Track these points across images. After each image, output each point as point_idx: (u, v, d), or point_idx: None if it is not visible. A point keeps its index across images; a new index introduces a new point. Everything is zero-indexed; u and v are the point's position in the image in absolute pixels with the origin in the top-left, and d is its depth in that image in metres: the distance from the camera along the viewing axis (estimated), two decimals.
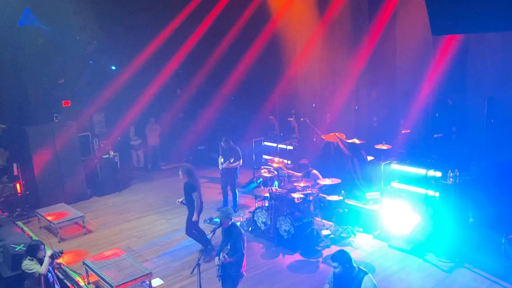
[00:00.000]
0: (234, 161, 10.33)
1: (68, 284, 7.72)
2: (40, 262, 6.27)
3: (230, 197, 10.76)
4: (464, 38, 9.25)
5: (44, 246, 6.50)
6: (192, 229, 8.59)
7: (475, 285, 7.20)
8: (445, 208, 8.02)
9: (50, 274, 6.43)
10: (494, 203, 7.90)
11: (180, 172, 8.60)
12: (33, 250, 6.36)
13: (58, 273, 7.59)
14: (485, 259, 7.56)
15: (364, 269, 4.96)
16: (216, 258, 6.18)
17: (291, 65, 13.43)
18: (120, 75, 13.14)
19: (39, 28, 11.24)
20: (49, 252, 6.34)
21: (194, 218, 8.37)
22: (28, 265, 6.24)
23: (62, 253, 6.58)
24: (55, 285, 6.57)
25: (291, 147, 12.71)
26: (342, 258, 4.90)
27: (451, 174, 7.98)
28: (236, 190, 10.71)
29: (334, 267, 4.90)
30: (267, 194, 9.48)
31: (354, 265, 4.94)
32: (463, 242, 7.94)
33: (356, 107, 11.93)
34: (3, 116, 11.32)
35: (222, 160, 10.49)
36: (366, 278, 4.80)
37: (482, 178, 8.23)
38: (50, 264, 6.36)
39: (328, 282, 5.13)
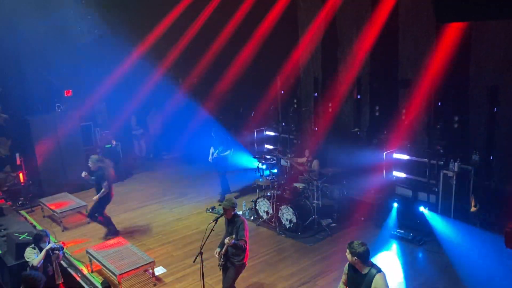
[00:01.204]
0: (223, 151, 10.42)
1: (72, 272, 7.78)
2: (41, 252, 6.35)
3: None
4: (468, 26, 9.17)
5: (49, 237, 6.56)
6: (95, 213, 8.93)
7: (480, 271, 7.17)
8: (446, 196, 8.03)
9: (50, 268, 6.47)
10: (494, 193, 7.92)
11: (90, 163, 8.80)
12: (37, 240, 6.46)
13: (62, 263, 7.63)
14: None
15: (378, 266, 4.72)
16: (218, 249, 6.21)
17: (293, 54, 13.34)
18: (121, 64, 13.09)
19: (41, 18, 11.20)
20: (48, 246, 6.38)
21: (95, 198, 8.77)
22: (28, 253, 6.36)
23: (61, 249, 6.60)
24: (56, 277, 6.60)
25: (292, 137, 12.71)
26: (357, 249, 4.68)
27: (453, 163, 7.98)
28: (226, 178, 10.83)
29: (348, 256, 4.76)
30: (269, 183, 9.51)
31: (368, 260, 4.73)
32: (466, 229, 7.97)
33: (358, 96, 11.88)
34: (6, 106, 11.32)
35: (213, 150, 10.58)
36: (378, 276, 4.56)
37: (483, 167, 8.23)
38: (50, 258, 6.41)
39: (344, 273, 5.05)
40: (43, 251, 6.33)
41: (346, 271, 4.94)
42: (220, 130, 10.79)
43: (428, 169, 8.45)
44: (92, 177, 8.89)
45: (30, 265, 6.30)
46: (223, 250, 6.10)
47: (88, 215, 9.39)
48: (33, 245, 6.51)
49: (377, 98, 11.24)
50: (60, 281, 6.72)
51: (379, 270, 4.61)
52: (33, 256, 6.32)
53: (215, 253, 6.21)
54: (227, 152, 10.51)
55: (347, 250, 4.72)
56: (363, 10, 11.15)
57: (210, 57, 14.08)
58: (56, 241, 6.81)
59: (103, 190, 8.71)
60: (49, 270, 6.48)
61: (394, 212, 8.85)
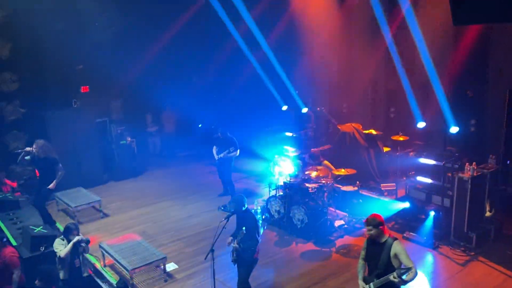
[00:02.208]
0: (230, 151, 10.36)
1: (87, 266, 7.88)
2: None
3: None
4: (486, 28, 9.05)
5: (78, 230, 6.72)
6: (42, 202, 9.04)
7: (490, 279, 7.14)
8: (462, 201, 7.93)
9: (77, 259, 6.60)
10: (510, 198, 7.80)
11: (35, 149, 8.75)
12: (67, 231, 6.65)
13: None
14: (500, 254, 7.49)
15: (395, 236, 5.10)
16: (230, 238, 6.27)
17: (308, 53, 13.31)
18: (138, 61, 13.20)
19: (59, 14, 11.36)
20: (75, 238, 6.52)
21: (52, 186, 8.86)
22: (56, 244, 6.55)
23: (88, 241, 6.74)
24: (83, 270, 6.73)
25: (306, 137, 12.67)
26: (375, 221, 5.04)
27: (469, 167, 7.88)
28: (232, 180, 10.75)
29: (368, 230, 5.08)
30: (281, 183, 9.50)
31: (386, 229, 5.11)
32: (479, 235, 7.87)
33: (373, 98, 11.81)
34: (23, 101, 11.50)
35: (217, 150, 10.52)
36: (395, 243, 4.97)
37: (500, 171, 8.11)
38: (77, 250, 6.55)
39: (363, 248, 5.34)
40: (70, 243, 6.49)
41: (365, 246, 5.29)
42: (227, 130, 10.68)
43: (443, 172, 8.36)
44: (27, 157, 8.89)
45: (58, 256, 6.46)
46: (234, 247, 6.14)
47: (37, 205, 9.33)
48: (62, 236, 6.68)
49: (392, 100, 11.16)
50: (86, 274, 6.84)
51: (395, 238, 5.04)
52: (61, 247, 6.49)
53: (227, 241, 6.30)
54: (233, 154, 10.44)
55: (366, 227, 5.11)
56: (379, 11, 11.07)
57: (225, 55, 14.13)
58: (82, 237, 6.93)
59: (60, 173, 8.85)
60: (76, 262, 6.62)
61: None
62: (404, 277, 4.79)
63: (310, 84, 13.79)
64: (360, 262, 5.36)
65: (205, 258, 5.99)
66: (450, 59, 9.51)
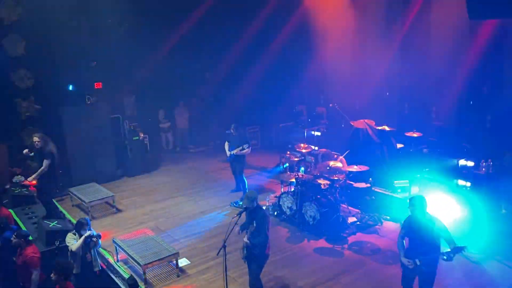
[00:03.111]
0: (244, 148, 10.32)
1: (99, 261, 7.95)
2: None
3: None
4: (503, 23, 8.88)
5: (90, 225, 6.82)
6: (43, 193, 8.97)
7: (505, 277, 7.04)
8: (476, 198, 7.83)
9: (88, 254, 6.68)
10: None
11: (37, 139, 8.61)
12: (78, 226, 6.77)
13: None
14: None
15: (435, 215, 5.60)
16: (238, 228, 6.29)
17: (321, 50, 13.23)
18: (151, 57, 13.27)
19: (73, 12, 11.46)
20: (87, 233, 6.60)
21: (30, 178, 8.82)
22: (68, 238, 6.69)
23: (99, 236, 6.82)
24: (94, 264, 6.81)
25: (318, 133, 12.63)
26: (418, 201, 5.52)
27: (484, 163, 7.77)
28: (244, 177, 10.70)
29: (411, 210, 5.57)
30: (293, 180, 9.47)
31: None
32: (495, 233, 7.76)
33: (387, 93, 11.69)
34: (38, 97, 11.64)
35: (228, 146, 10.49)
36: (437, 219, 5.49)
37: None
38: (88, 244, 6.64)
39: (402, 228, 5.81)
40: (82, 238, 6.61)
41: (407, 225, 5.72)
42: (240, 126, 10.60)
43: (458, 168, 8.25)
44: (31, 154, 8.84)
45: (70, 250, 6.60)
46: (244, 244, 6.14)
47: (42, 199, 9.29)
48: (74, 231, 6.80)
49: (407, 96, 11.04)
50: (97, 268, 6.92)
51: (436, 218, 5.56)
52: (73, 242, 6.63)
53: (237, 231, 6.32)
54: (246, 150, 10.41)
55: (410, 207, 5.59)
56: (394, 5, 10.94)
57: (237, 52, 14.11)
58: (95, 233, 7.01)
59: (43, 168, 8.66)
60: (88, 257, 6.71)
61: None
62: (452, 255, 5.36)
63: (322, 80, 13.72)
64: (400, 240, 5.78)
65: (217, 254, 6.01)
66: (466, 54, 9.35)
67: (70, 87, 11.73)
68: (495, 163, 7.96)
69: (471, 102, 9.43)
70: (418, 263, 5.51)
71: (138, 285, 5.98)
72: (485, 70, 9.13)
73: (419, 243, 5.59)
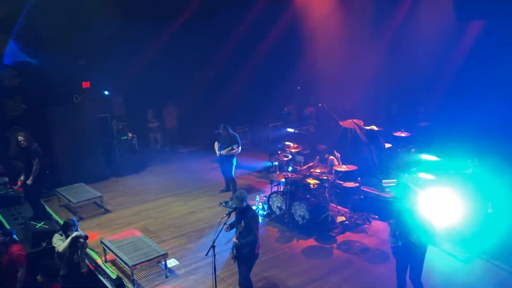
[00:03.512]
0: (233, 149, 10.30)
1: (87, 261, 7.87)
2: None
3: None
4: (489, 24, 8.98)
5: (77, 226, 6.72)
6: (31, 194, 8.85)
7: (491, 275, 7.11)
8: (463, 197, 7.89)
9: (76, 255, 6.61)
10: None
11: (22, 138, 8.56)
12: (65, 227, 6.66)
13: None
14: (503, 251, 7.46)
15: None
16: (226, 226, 6.29)
17: (310, 50, 13.26)
18: (140, 57, 13.18)
19: (61, 10, 11.34)
20: (73, 234, 6.52)
21: (29, 181, 8.61)
22: (55, 239, 6.58)
23: (87, 237, 6.73)
24: (82, 265, 6.73)
25: (307, 133, 12.67)
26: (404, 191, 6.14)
27: (471, 163, 7.85)
28: (234, 177, 10.70)
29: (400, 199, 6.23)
30: (283, 179, 9.48)
31: None
32: (481, 232, 7.84)
33: (375, 93, 11.76)
34: (25, 96, 11.49)
35: (218, 146, 10.47)
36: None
37: (503, 168, 8.06)
38: (75, 245, 6.55)
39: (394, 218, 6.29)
40: (68, 239, 6.51)
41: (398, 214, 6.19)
42: (229, 126, 10.57)
43: (445, 168, 8.32)
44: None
45: (56, 251, 6.49)
46: (233, 244, 6.13)
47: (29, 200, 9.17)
48: (61, 232, 6.70)
49: (395, 95, 11.12)
50: (85, 269, 6.84)
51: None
52: (59, 243, 6.52)
53: (224, 228, 6.28)
54: (235, 150, 10.40)
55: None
56: (383, 5, 11.02)
57: (228, 51, 14.09)
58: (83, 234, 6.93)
59: (35, 168, 8.61)
60: (75, 258, 6.62)
61: None
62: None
63: (311, 80, 13.75)
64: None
65: (206, 254, 6.00)
66: (454, 54, 9.45)
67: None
68: (482, 163, 8.04)
69: (459, 102, 9.51)
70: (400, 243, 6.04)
71: (125, 286, 5.94)
72: (473, 70, 9.23)
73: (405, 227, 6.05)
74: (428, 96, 10.34)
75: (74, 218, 7.07)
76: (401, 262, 6.24)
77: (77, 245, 6.62)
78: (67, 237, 6.56)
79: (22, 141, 8.48)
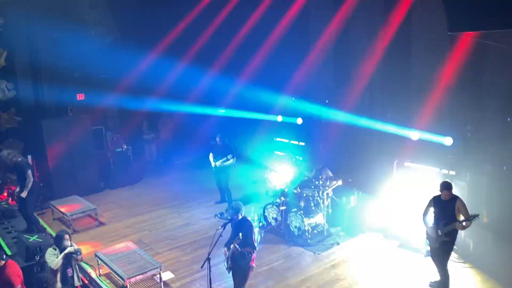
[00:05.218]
0: (228, 159, 10.29)
1: (80, 275, 7.79)
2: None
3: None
4: (482, 36, 9.08)
5: (70, 239, 6.60)
6: (25, 207, 8.82)
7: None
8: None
9: (70, 269, 6.52)
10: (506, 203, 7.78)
11: (6, 154, 8.69)
12: (58, 241, 6.53)
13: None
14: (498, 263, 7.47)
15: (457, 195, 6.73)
16: (225, 248, 6.20)
17: (304, 61, 13.31)
18: (134, 69, 13.19)
19: (56, 23, 11.37)
20: (67, 250, 6.42)
21: (23, 194, 8.61)
22: (48, 254, 6.43)
23: (79, 252, 6.63)
24: (75, 279, 6.63)
25: (303, 143, 12.67)
26: (447, 184, 6.64)
27: (464, 173, 7.89)
28: (229, 188, 10.68)
29: (440, 190, 6.68)
30: (278, 190, 9.47)
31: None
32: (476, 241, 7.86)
33: (370, 103, 11.80)
34: (19, 108, 11.47)
35: (213, 157, 10.45)
36: (458, 199, 6.63)
37: (495, 178, 8.11)
38: (69, 259, 6.46)
39: (428, 205, 6.89)
40: (62, 255, 6.37)
41: (432, 203, 6.84)
42: (225, 137, 10.62)
43: (440, 178, 8.34)
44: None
45: (50, 267, 6.36)
46: (230, 253, 6.09)
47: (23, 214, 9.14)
48: (54, 246, 6.56)
49: (389, 106, 11.17)
50: (79, 283, 6.72)
51: (457, 197, 6.71)
52: (53, 258, 6.37)
53: (222, 251, 6.20)
54: (231, 161, 10.38)
55: (440, 188, 6.70)
56: (376, 17, 11.11)
57: (221, 64, 14.12)
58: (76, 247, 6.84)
59: (28, 181, 8.61)
60: (69, 271, 6.52)
61: None
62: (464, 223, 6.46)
63: (306, 91, 13.79)
64: (424, 217, 6.90)
65: (202, 267, 5.96)
66: (446, 66, 9.53)
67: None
68: (475, 173, 8.08)
69: (451, 112, 9.56)
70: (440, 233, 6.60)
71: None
72: (465, 81, 9.29)
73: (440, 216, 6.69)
74: (422, 105, 10.40)
75: (67, 230, 6.98)
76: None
77: (72, 259, 6.53)
78: (61, 250, 6.47)
79: (9, 157, 8.49)
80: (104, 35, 12.17)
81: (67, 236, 6.56)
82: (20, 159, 8.69)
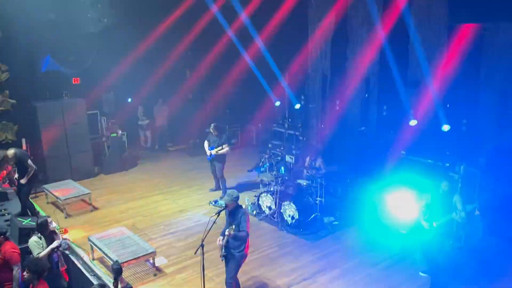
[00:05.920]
0: (223, 148, 10.29)
1: (73, 259, 7.81)
2: (47, 240, 6.38)
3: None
4: (480, 28, 9.07)
5: (51, 221, 6.57)
6: (23, 191, 8.74)
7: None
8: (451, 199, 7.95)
9: (55, 254, 6.49)
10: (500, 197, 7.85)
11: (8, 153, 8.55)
12: (42, 228, 6.46)
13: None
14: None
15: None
16: (220, 237, 6.22)
17: (303, 50, 13.27)
18: (130, 54, 13.08)
19: (51, 5, 11.22)
20: (54, 244, 6.38)
21: (23, 181, 8.53)
22: (33, 244, 6.34)
23: (65, 246, 6.58)
24: (60, 264, 6.62)
25: (298, 133, 12.67)
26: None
27: (459, 166, 7.93)
28: (224, 176, 10.67)
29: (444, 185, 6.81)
30: (273, 179, 9.49)
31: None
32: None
33: (366, 95, 11.80)
34: (14, 91, 11.35)
35: (208, 145, 10.44)
36: (456, 194, 6.89)
37: (490, 171, 8.16)
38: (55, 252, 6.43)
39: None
40: (48, 249, 6.29)
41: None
42: (219, 125, 10.57)
43: (433, 170, 8.39)
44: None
45: (35, 255, 6.26)
46: (224, 241, 6.11)
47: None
48: (38, 234, 6.46)
49: (385, 98, 11.18)
50: (63, 267, 6.74)
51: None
52: (38, 251, 6.28)
53: (217, 240, 6.20)
54: (225, 150, 10.40)
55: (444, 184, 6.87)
56: (375, 8, 11.06)
57: (219, 50, 14.03)
58: (58, 227, 6.81)
59: (30, 169, 8.54)
60: (55, 257, 6.51)
61: None
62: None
63: (303, 80, 13.77)
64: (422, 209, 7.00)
65: (195, 253, 5.97)
66: (444, 58, 9.52)
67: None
68: (469, 166, 8.12)
69: (448, 105, 9.58)
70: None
71: (122, 271, 5.86)
72: (462, 74, 9.30)
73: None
74: (419, 99, 10.41)
75: (48, 217, 6.81)
76: None
77: (59, 248, 6.47)
78: (45, 237, 6.37)
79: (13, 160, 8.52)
80: (100, 18, 12.00)
81: (50, 220, 6.52)
82: (15, 151, 8.62)
